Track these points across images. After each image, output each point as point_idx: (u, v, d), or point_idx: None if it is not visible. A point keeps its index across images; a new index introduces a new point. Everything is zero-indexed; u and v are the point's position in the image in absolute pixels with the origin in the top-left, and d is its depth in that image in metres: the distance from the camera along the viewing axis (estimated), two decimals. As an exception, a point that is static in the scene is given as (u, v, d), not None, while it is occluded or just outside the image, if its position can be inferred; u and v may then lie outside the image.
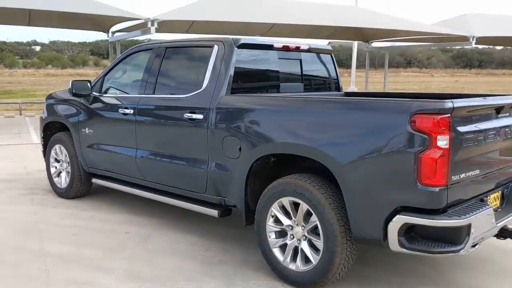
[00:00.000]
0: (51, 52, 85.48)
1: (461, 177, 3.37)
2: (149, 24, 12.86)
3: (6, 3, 11.57)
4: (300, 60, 5.27)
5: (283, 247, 4.06)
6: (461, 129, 3.32)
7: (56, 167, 6.73)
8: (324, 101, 4.09)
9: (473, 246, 3.38)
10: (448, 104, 3.17)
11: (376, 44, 20.42)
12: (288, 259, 4.00)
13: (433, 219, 3.21)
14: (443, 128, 3.17)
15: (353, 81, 22.78)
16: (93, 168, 6.14)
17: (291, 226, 3.99)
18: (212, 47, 4.75)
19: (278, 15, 15.35)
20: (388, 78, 21.62)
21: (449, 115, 3.19)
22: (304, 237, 3.91)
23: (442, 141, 3.18)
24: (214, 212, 4.67)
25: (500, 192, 3.95)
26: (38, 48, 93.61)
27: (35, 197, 6.67)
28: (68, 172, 6.48)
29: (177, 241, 5.05)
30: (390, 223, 3.33)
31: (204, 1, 14.91)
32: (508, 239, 3.82)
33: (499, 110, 3.69)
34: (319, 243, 3.77)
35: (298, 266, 3.93)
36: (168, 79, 5.22)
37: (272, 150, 4.13)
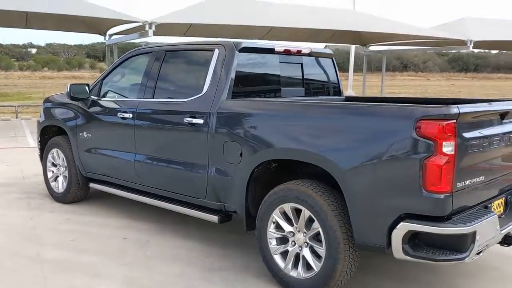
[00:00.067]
0: (47, 55, 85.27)
1: (466, 183, 3.33)
2: (147, 27, 12.81)
3: (3, 5, 11.49)
4: (301, 64, 5.22)
5: (284, 254, 4.01)
6: (467, 135, 3.28)
7: (53, 172, 6.66)
8: (327, 106, 4.04)
9: (478, 253, 3.34)
10: (454, 109, 3.13)
11: (373, 47, 20.43)
12: (290, 266, 3.95)
13: (438, 227, 3.16)
14: (448, 134, 3.13)
15: (350, 85, 22.77)
16: (90, 173, 6.08)
17: (293, 232, 3.94)
18: (212, 50, 4.70)
19: (276, 19, 15.33)
20: (384, 82, 21.60)
21: (454, 120, 3.15)
22: (305, 243, 3.86)
23: (448, 147, 3.14)
24: (214, 218, 4.62)
25: (503, 198, 3.91)
26: (34, 50, 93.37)
27: (32, 202, 6.60)
28: (66, 176, 6.41)
29: (176, 247, 4.99)
30: (394, 230, 3.28)
31: (202, 4, 14.88)
32: (512, 246, 3.78)
33: (503, 115, 3.65)
34: (321, 250, 3.72)
35: (299, 273, 3.88)
36: (168, 83, 5.16)
37: (273, 156, 4.08)
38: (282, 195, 3.93)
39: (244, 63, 4.67)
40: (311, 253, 3.82)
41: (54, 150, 6.57)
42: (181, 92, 4.97)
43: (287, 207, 3.92)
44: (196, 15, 14.22)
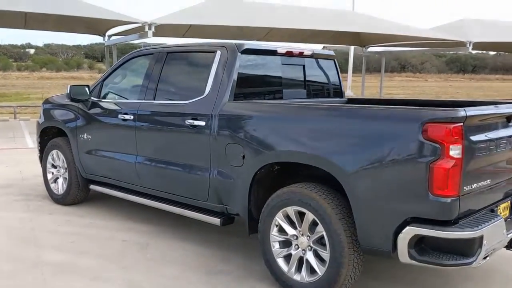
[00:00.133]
0: (46, 55, 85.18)
1: (473, 187, 3.29)
2: (146, 28, 12.75)
3: (2, 6, 11.44)
4: (303, 66, 5.19)
5: (287, 257, 3.96)
6: (473, 138, 3.24)
7: (53, 173, 6.61)
8: (330, 109, 3.99)
9: (485, 258, 3.30)
10: (461, 112, 3.10)
11: (372, 48, 20.41)
12: (293, 269, 3.91)
13: (445, 231, 3.13)
14: (455, 137, 3.09)
15: (349, 86, 22.76)
16: (91, 174, 6.03)
17: (296, 236, 3.90)
18: (214, 52, 4.66)
19: (275, 20, 15.30)
20: (383, 83, 21.59)
21: (461, 123, 3.11)
22: (309, 247, 3.81)
23: (455, 151, 3.10)
24: (216, 221, 4.58)
25: (509, 202, 3.87)
26: (32, 51, 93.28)
27: (30, 203, 6.55)
28: (66, 178, 6.37)
29: (177, 249, 4.95)
30: (400, 234, 3.25)
31: (201, 5, 14.84)
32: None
33: (510, 118, 3.62)
34: (325, 254, 3.68)
35: (303, 277, 3.84)
36: (169, 84, 5.12)
37: (276, 159, 4.04)
38: (285, 198, 3.89)
39: (246, 64, 4.63)
40: (315, 257, 3.78)
41: (54, 152, 6.52)
42: (183, 94, 4.93)
43: (290, 210, 3.88)
44: (195, 16, 14.18)
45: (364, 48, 20.05)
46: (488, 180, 3.46)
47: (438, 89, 49.75)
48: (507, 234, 3.52)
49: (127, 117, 5.25)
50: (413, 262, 3.26)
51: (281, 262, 3.99)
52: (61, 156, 6.39)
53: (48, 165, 6.66)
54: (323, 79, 5.50)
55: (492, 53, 78.16)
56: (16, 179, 7.96)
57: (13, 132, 13.95)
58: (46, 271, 4.40)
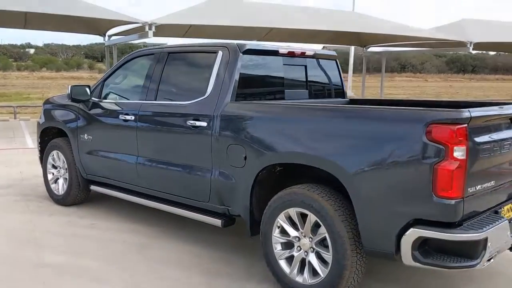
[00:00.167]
0: (45, 55, 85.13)
1: (477, 188, 3.27)
2: (147, 28, 12.72)
3: (2, 6, 11.42)
4: (305, 66, 5.17)
5: (289, 259, 3.94)
6: (478, 139, 3.22)
7: (53, 174, 6.59)
8: (333, 109, 3.97)
9: (489, 260, 3.28)
10: (465, 113, 3.07)
11: (372, 49, 20.37)
12: (295, 271, 3.88)
13: (449, 233, 3.11)
14: (460, 138, 3.07)
15: (349, 86, 22.74)
16: (91, 175, 6.01)
17: (298, 237, 3.88)
18: (216, 52, 4.63)
19: (275, 20, 15.26)
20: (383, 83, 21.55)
21: (466, 125, 3.09)
22: (311, 249, 3.79)
23: (459, 152, 3.08)
24: (217, 222, 4.55)
25: (512, 203, 3.85)
26: (32, 50, 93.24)
27: (30, 204, 6.52)
28: (66, 178, 6.34)
29: (177, 251, 4.92)
30: (404, 236, 3.23)
31: (201, 5, 14.81)
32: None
33: (513, 119, 3.60)
34: (328, 256, 3.66)
35: (305, 279, 3.82)
36: (170, 85, 5.10)
37: (278, 160, 4.02)
38: (288, 199, 3.87)
39: (248, 65, 4.61)
40: (317, 259, 3.76)
41: (54, 152, 6.50)
42: (184, 94, 4.91)
43: (293, 211, 3.85)
44: (196, 16, 14.15)
45: (364, 48, 20.02)
46: (492, 182, 3.44)
47: (439, 89, 49.71)
48: (511, 236, 3.50)
49: (128, 117, 5.22)
50: (417, 264, 3.24)
51: (283, 263, 3.96)
52: (62, 157, 6.37)
53: (49, 166, 6.63)
54: (325, 79, 5.48)
55: (492, 53, 78.15)
56: (16, 179, 7.94)
57: (13, 132, 13.91)
58: (46, 272, 4.38)
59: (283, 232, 3.95)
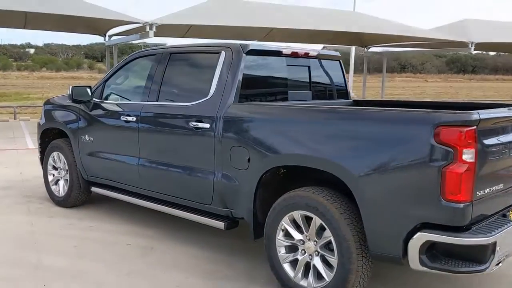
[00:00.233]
0: (45, 55, 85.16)
1: (486, 192, 3.22)
2: (148, 28, 12.68)
3: (2, 5, 11.37)
4: (309, 67, 5.11)
5: (294, 263, 3.89)
6: (486, 141, 3.17)
7: (54, 175, 6.53)
8: (338, 111, 3.92)
9: (497, 264, 3.23)
10: (474, 115, 3.02)
11: (372, 49, 20.32)
12: (300, 275, 3.83)
13: (458, 237, 3.06)
14: (469, 141, 3.02)
15: (350, 86, 22.64)
16: (92, 177, 5.95)
17: (303, 241, 3.82)
18: (219, 53, 4.58)
19: (276, 20, 15.21)
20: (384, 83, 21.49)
21: (475, 127, 3.04)
22: (316, 252, 3.74)
23: (468, 155, 3.03)
24: (220, 224, 4.50)
25: (521, 206, 3.79)
26: (32, 50, 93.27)
27: (31, 206, 6.47)
28: (67, 180, 6.29)
29: (181, 254, 4.87)
30: (411, 240, 3.17)
31: (202, 5, 14.77)
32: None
33: (522, 121, 3.54)
34: (333, 260, 3.60)
35: (310, 283, 3.76)
36: (172, 86, 5.04)
37: (282, 162, 3.97)
38: (292, 202, 3.81)
39: (251, 66, 4.55)
40: (322, 262, 3.71)
41: (55, 153, 6.45)
42: (187, 95, 4.85)
43: (297, 214, 3.80)
44: (196, 16, 14.10)
45: (365, 49, 19.97)
46: (501, 185, 3.39)
47: (439, 89, 49.68)
48: (520, 240, 3.44)
49: (129, 118, 5.17)
50: (424, 268, 3.18)
51: (287, 267, 3.91)
52: (62, 158, 6.31)
53: (49, 167, 6.58)
54: (328, 80, 5.43)
55: (492, 53, 78.12)
56: (16, 180, 7.88)
57: (13, 132, 13.86)
58: (47, 276, 4.33)
59: (287, 235, 3.90)
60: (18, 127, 15.09)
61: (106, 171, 5.72)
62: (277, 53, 4.81)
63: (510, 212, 3.60)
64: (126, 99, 5.63)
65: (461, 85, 62.05)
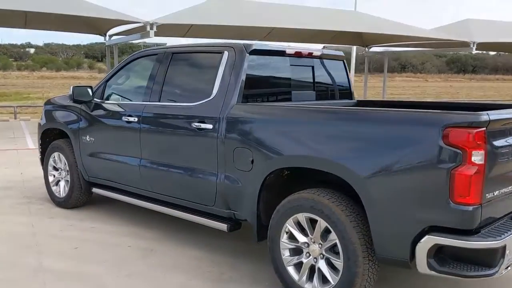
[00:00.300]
0: (46, 55, 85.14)
1: (495, 194, 3.16)
2: (148, 28, 12.64)
3: (2, 5, 11.32)
4: (312, 67, 5.06)
5: (298, 266, 3.83)
6: (496, 143, 3.11)
7: (54, 176, 6.48)
8: (344, 112, 3.85)
9: (507, 268, 3.17)
10: (484, 116, 2.96)
11: (373, 48, 20.27)
12: (304, 278, 3.77)
13: (467, 241, 3.00)
14: (478, 142, 2.96)
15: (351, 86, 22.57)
16: (93, 177, 5.90)
17: (307, 243, 3.76)
18: (222, 53, 4.52)
19: (277, 19, 15.17)
20: (382, 83, 21.45)
21: (484, 128, 2.98)
22: (321, 255, 3.68)
23: (477, 157, 2.97)
24: (223, 226, 4.44)
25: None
26: (32, 50, 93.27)
27: (32, 207, 6.41)
28: (67, 181, 6.24)
29: (183, 256, 4.81)
30: (419, 243, 3.12)
31: (202, 5, 14.72)
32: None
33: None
34: (339, 263, 3.54)
35: (315, 286, 3.70)
36: (175, 86, 4.98)
37: (286, 164, 3.91)
38: (297, 204, 3.75)
39: (254, 66, 4.49)
40: (327, 265, 3.65)
41: (55, 154, 6.39)
42: (189, 95, 4.78)
43: (302, 217, 3.74)
44: (197, 16, 14.06)
45: (366, 48, 19.92)
46: (510, 187, 3.33)
47: (439, 89, 49.65)
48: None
49: (131, 119, 5.11)
50: (432, 272, 3.12)
51: (291, 270, 3.85)
52: (63, 159, 6.26)
53: (50, 168, 6.53)
54: (332, 80, 5.37)
55: (492, 53, 78.03)
56: (16, 181, 7.83)
57: (14, 132, 13.80)
58: (48, 278, 4.27)
59: (292, 237, 3.84)
60: (19, 127, 15.03)
61: (107, 172, 5.67)
62: (281, 53, 4.75)
63: (519, 214, 3.54)
64: (128, 99, 5.57)
65: (461, 85, 62.02)
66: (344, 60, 5.45)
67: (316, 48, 5.26)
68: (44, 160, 6.61)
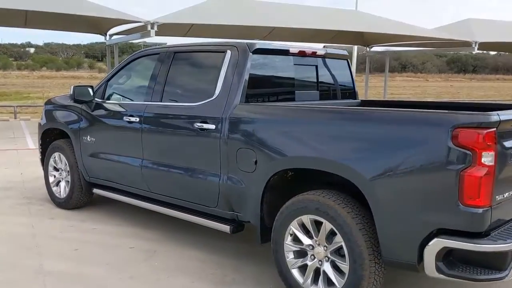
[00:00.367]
0: (46, 54, 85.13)
1: (505, 196, 3.10)
2: (149, 27, 12.58)
3: (2, 4, 11.26)
4: (316, 66, 4.99)
5: (302, 268, 3.77)
6: (506, 143, 3.04)
7: (55, 176, 6.42)
8: (349, 112, 3.78)
9: (516, 271, 3.10)
10: (494, 117, 2.90)
11: (375, 48, 20.21)
12: (309, 281, 3.71)
13: (477, 244, 2.93)
14: (488, 143, 2.89)
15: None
16: (94, 178, 5.83)
17: (312, 246, 3.70)
18: (224, 52, 4.46)
19: (278, 19, 15.12)
20: (383, 83, 21.39)
21: (494, 129, 2.91)
22: (326, 258, 3.62)
23: (487, 158, 2.90)
24: (226, 228, 4.38)
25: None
26: (32, 50, 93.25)
27: (32, 208, 6.35)
28: (68, 181, 6.17)
29: (185, 257, 4.75)
30: (427, 246, 3.05)
31: (203, 4, 14.67)
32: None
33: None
34: (344, 266, 3.48)
35: (320, 289, 3.64)
36: (177, 86, 4.92)
37: (291, 165, 3.85)
38: (301, 206, 3.69)
39: (258, 65, 4.43)
40: (333, 268, 3.59)
41: (56, 154, 6.33)
42: (191, 95, 4.72)
43: (306, 219, 3.67)
44: (198, 16, 14.01)
45: (368, 48, 19.86)
46: (520, 189, 3.27)
47: (439, 89, 49.56)
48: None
49: (132, 119, 5.05)
50: (441, 276, 3.06)
51: (296, 273, 3.79)
52: (64, 159, 6.20)
53: (50, 168, 6.47)
54: (336, 80, 5.30)
55: (492, 53, 77.96)
56: (17, 181, 7.76)
57: (14, 132, 13.74)
58: (48, 280, 4.21)
59: (296, 240, 3.78)
60: (19, 127, 14.96)
61: (108, 172, 5.61)
62: (284, 52, 4.69)
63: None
64: (129, 99, 5.51)
65: (462, 84, 61.96)
66: (348, 60, 5.38)
67: (318, 47, 5.18)
68: (44, 161, 6.55)
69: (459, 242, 2.96)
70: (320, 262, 3.66)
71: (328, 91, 5.20)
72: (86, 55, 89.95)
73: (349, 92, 5.42)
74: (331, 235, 3.56)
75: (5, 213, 6.12)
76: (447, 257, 3.07)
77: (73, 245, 5.03)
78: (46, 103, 6.67)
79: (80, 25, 15.42)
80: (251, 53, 4.33)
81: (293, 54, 4.73)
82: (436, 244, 3.02)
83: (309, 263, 3.71)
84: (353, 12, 19.58)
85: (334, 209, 3.47)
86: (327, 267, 3.61)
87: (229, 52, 4.43)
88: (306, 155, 3.71)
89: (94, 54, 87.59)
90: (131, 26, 14.10)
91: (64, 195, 6.25)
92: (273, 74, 4.73)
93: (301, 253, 3.79)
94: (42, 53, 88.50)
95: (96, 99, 5.64)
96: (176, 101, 4.83)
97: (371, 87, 29.19)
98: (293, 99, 4.78)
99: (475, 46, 16.73)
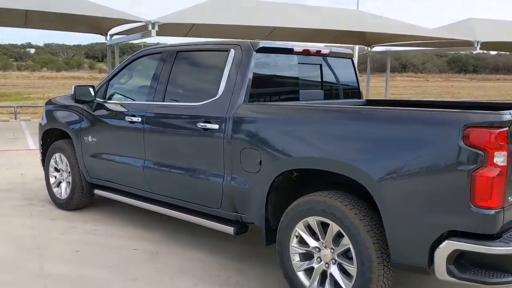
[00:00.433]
0: (46, 55, 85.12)
1: (517, 197, 3.02)
2: (150, 27, 12.52)
3: (2, 4, 11.20)
4: (320, 65, 4.92)
5: (309, 271, 3.69)
6: (518, 144, 2.97)
7: (56, 177, 6.35)
8: (356, 111, 3.70)
9: (528, 274, 3.03)
10: (506, 116, 2.83)
11: (376, 48, 20.15)
12: (315, 284, 3.63)
13: (490, 246, 2.86)
14: (500, 143, 2.82)
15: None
16: (95, 179, 5.77)
17: (318, 248, 3.63)
18: (228, 51, 4.39)
19: (279, 19, 15.07)
20: (384, 83, 21.33)
21: (507, 128, 2.84)
22: (333, 260, 3.54)
23: (500, 158, 2.83)
24: (229, 229, 4.31)
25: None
26: (32, 50, 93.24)
27: (33, 209, 6.28)
28: (69, 182, 6.10)
29: (189, 259, 4.68)
30: (438, 249, 2.98)
31: (204, 4, 14.61)
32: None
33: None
34: (352, 268, 3.41)
35: (326, 292, 3.57)
36: (179, 85, 4.84)
37: (296, 165, 3.77)
38: (307, 207, 3.61)
39: (261, 64, 4.36)
40: (340, 271, 3.51)
41: (57, 155, 6.26)
42: (194, 95, 4.65)
43: (312, 220, 3.60)
44: (199, 15, 13.96)
45: (369, 48, 19.79)
46: (531, 190, 3.19)
47: (440, 89, 49.50)
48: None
49: (134, 119, 4.98)
50: (452, 279, 2.99)
51: (301, 275, 3.71)
52: (64, 160, 6.13)
53: (51, 169, 6.40)
54: (340, 79, 5.23)
55: (493, 52, 77.86)
56: (17, 182, 7.69)
57: (14, 133, 13.67)
58: (49, 282, 4.15)
59: (302, 242, 3.70)
60: (19, 128, 14.90)
61: (109, 173, 5.54)
62: (288, 51, 4.62)
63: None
64: (131, 99, 5.44)
65: (462, 84, 61.91)
66: (353, 58, 5.31)
67: (322, 46, 5.11)
68: (45, 161, 6.49)
69: (471, 245, 2.89)
70: (326, 265, 3.58)
71: (332, 91, 5.13)
72: (86, 55, 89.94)
73: (354, 92, 5.35)
74: (338, 237, 3.49)
75: (5, 215, 6.05)
76: (458, 260, 2.99)
77: (75, 247, 4.96)
78: (46, 103, 6.60)
79: (80, 25, 15.37)
80: (255, 52, 4.26)
81: (297, 53, 4.66)
82: (447, 247, 2.95)
83: (315, 265, 3.64)
84: (354, 12, 19.51)
85: (341, 210, 3.40)
86: (334, 270, 3.54)
87: (232, 51, 4.36)
88: (312, 155, 3.64)
89: (95, 54, 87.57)
90: (131, 26, 14.04)
91: (65, 196, 6.18)
92: (277, 73, 4.66)
93: (307, 256, 3.71)
94: (42, 53, 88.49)
95: (97, 99, 5.57)
96: (179, 101, 4.77)
97: (372, 87, 29.11)
98: (297, 99, 4.71)
99: (477, 45, 16.67)
